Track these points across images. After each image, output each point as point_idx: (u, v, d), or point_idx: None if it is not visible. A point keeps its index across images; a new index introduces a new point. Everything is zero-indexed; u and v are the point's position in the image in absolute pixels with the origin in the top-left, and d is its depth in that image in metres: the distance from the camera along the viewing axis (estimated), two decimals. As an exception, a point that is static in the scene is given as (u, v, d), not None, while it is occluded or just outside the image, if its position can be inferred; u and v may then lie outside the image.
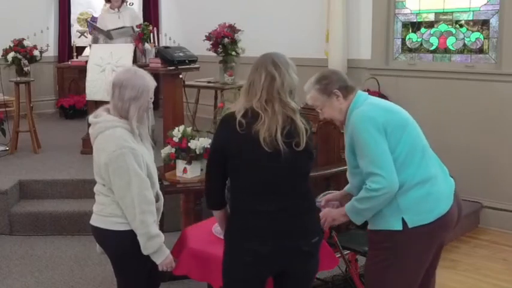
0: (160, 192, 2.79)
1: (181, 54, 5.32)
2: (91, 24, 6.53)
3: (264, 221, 2.32)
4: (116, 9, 6.39)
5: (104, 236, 2.67)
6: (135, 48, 5.95)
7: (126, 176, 2.52)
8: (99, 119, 2.64)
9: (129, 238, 2.58)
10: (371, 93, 5.59)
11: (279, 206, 2.32)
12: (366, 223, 2.67)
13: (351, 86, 2.67)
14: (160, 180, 2.89)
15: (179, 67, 5.27)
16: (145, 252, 2.58)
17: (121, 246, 2.63)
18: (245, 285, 2.40)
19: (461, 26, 5.36)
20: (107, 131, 2.58)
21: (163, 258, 2.63)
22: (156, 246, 2.59)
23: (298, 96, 2.42)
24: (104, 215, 2.65)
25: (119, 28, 6.21)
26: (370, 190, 2.44)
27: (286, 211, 2.33)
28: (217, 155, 2.39)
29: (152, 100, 2.69)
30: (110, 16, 6.40)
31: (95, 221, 2.70)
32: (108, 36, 6.15)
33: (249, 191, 2.34)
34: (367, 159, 2.47)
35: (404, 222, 2.48)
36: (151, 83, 2.66)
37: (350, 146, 2.59)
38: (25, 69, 5.85)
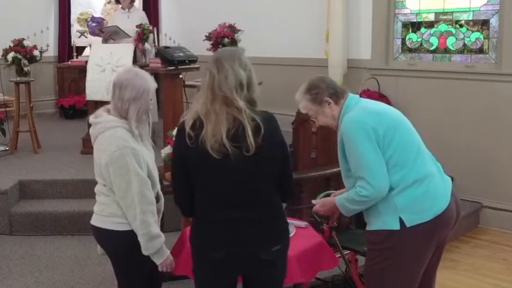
0: (161, 193, 2.79)
1: (181, 54, 5.31)
2: (98, 28, 6.63)
3: (220, 229, 2.28)
4: (126, 10, 6.73)
5: (105, 236, 2.67)
6: (135, 48, 5.96)
7: (127, 176, 2.52)
8: (99, 119, 2.64)
9: (129, 238, 2.58)
10: (371, 93, 5.62)
11: (236, 214, 2.25)
12: (365, 223, 2.67)
13: (341, 91, 2.68)
14: (160, 180, 2.88)
15: (179, 67, 5.27)
16: (145, 252, 2.58)
17: (121, 246, 2.63)
18: None
19: (461, 26, 5.36)
20: (107, 131, 2.58)
21: (163, 258, 2.63)
22: (157, 247, 2.58)
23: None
24: (105, 215, 2.65)
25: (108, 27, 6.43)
26: (361, 196, 2.49)
27: (245, 218, 2.26)
28: (177, 166, 2.36)
29: (152, 102, 2.69)
30: (120, 16, 6.76)
31: (96, 221, 2.70)
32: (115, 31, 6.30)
33: (206, 200, 2.30)
34: (357, 163, 2.51)
35: (402, 222, 2.49)
36: (152, 84, 2.66)
37: (342, 151, 2.61)
38: (25, 69, 5.84)
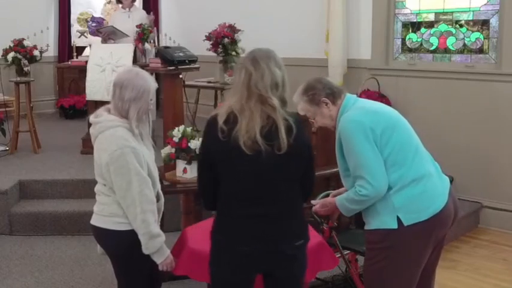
0: (161, 192, 2.79)
1: (181, 54, 5.32)
2: (97, 28, 6.61)
3: (247, 224, 2.30)
4: (127, 9, 6.68)
5: (105, 236, 2.67)
6: (135, 48, 5.96)
7: (127, 176, 2.52)
8: (99, 118, 2.64)
9: (130, 238, 2.58)
10: (371, 93, 5.62)
11: (263, 210, 2.29)
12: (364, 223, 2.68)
13: (338, 91, 2.68)
14: (160, 180, 2.88)
15: (179, 67, 5.27)
16: (146, 251, 2.58)
17: (122, 246, 2.63)
18: (229, 286, 2.39)
19: (461, 26, 5.36)
20: (107, 130, 2.58)
21: (163, 258, 2.63)
22: (158, 246, 2.59)
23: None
24: (105, 215, 2.64)
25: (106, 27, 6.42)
26: (360, 195, 2.50)
27: (271, 215, 2.30)
28: (205, 159, 2.38)
29: (153, 102, 2.69)
30: (120, 15, 6.72)
31: (96, 221, 2.70)
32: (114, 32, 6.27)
33: (233, 196, 2.32)
34: (356, 163, 2.51)
35: (399, 221, 2.50)
36: (153, 84, 2.66)
37: (340, 150, 2.61)
38: (25, 69, 5.85)
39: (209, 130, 2.34)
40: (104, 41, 6.30)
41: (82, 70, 5.94)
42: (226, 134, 2.24)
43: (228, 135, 2.24)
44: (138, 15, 6.65)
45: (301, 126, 2.34)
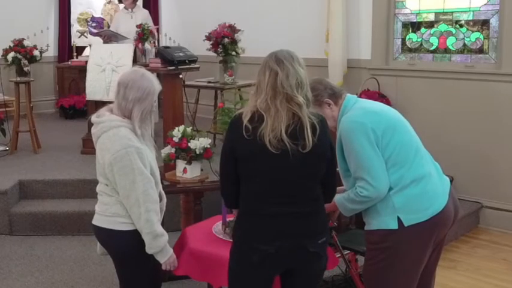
0: (163, 192, 2.79)
1: (181, 54, 5.32)
2: (101, 30, 6.63)
3: (272, 223, 2.32)
4: (130, 10, 6.76)
5: (108, 236, 2.66)
6: (135, 48, 5.96)
7: (131, 175, 2.52)
8: (102, 118, 2.63)
9: (133, 238, 2.58)
10: (371, 93, 5.62)
11: (287, 209, 2.32)
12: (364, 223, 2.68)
13: (339, 92, 2.69)
14: (160, 180, 2.88)
15: (179, 67, 5.27)
16: (150, 251, 2.58)
17: (125, 246, 2.62)
18: (252, 285, 2.40)
19: (461, 26, 5.36)
20: (110, 130, 2.58)
21: (167, 257, 2.63)
22: (161, 245, 2.59)
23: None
24: (108, 215, 2.64)
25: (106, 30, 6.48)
26: (361, 196, 2.50)
27: (295, 214, 2.33)
28: (228, 158, 2.38)
29: (156, 103, 2.70)
30: (123, 16, 6.79)
31: (98, 221, 2.69)
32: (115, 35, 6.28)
33: (257, 194, 2.34)
34: (357, 164, 2.51)
35: (400, 221, 2.50)
36: (157, 86, 2.67)
37: (340, 151, 2.61)
38: (25, 69, 5.85)
39: (233, 128, 2.35)
40: (106, 43, 6.31)
41: (82, 70, 5.94)
42: (251, 133, 2.26)
43: (253, 133, 2.26)
44: (141, 15, 6.69)
45: (325, 126, 2.37)
